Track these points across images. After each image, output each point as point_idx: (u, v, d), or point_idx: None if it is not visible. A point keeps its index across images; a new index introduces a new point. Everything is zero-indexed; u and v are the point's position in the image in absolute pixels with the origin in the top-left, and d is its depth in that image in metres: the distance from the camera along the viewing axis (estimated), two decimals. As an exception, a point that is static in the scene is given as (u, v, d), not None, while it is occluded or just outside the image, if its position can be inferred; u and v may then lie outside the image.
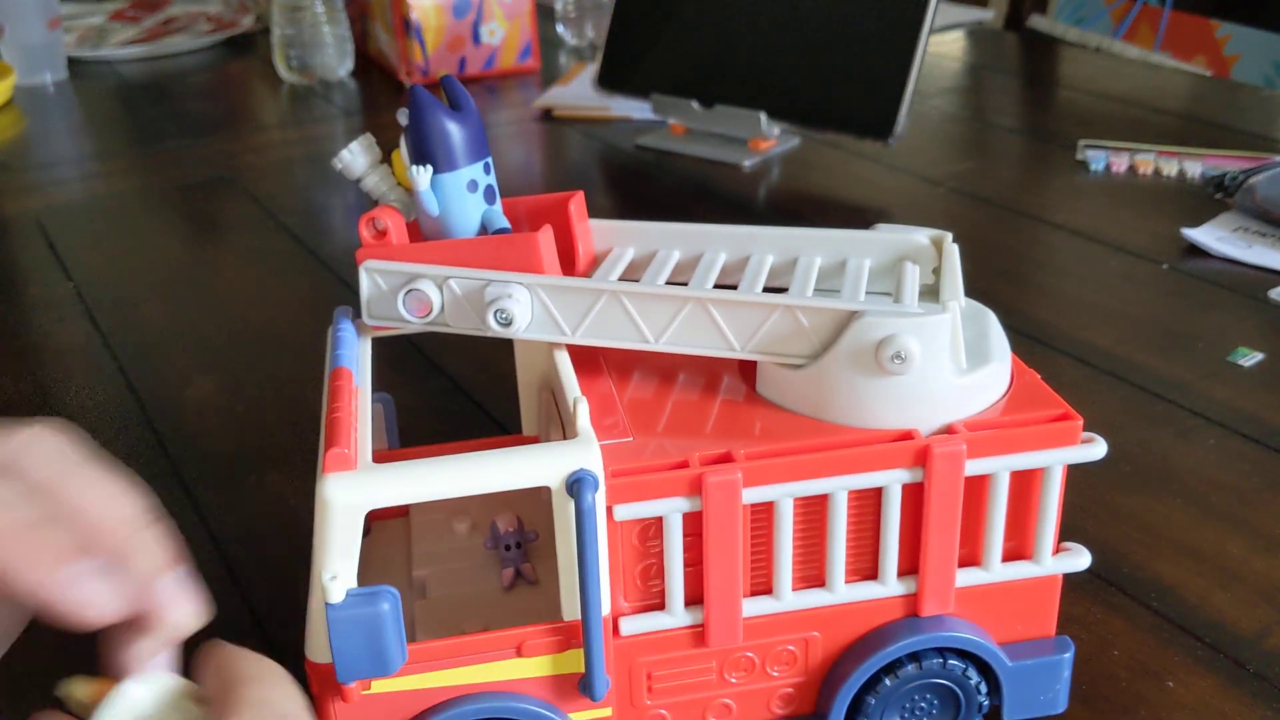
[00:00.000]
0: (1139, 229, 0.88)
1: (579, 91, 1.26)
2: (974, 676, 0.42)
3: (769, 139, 1.06)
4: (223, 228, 1.00)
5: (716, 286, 0.44)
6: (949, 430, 0.39)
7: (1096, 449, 0.40)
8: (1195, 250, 0.84)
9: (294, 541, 0.57)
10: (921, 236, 0.46)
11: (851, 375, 0.39)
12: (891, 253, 0.46)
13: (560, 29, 1.49)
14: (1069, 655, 0.42)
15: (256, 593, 0.54)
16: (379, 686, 0.38)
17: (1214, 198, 0.92)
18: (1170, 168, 0.99)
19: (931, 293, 0.44)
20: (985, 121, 1.22)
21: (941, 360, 0.39)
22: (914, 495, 0.40)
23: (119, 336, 0.78)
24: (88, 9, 1.68)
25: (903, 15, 0.96)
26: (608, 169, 1.09)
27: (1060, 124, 1.16)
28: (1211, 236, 0.85)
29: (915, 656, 0.41)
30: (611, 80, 1.12)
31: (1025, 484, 0.40)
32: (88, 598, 0.33)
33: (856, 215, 0.93)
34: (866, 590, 0.41)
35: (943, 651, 0.41)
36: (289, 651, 0.48)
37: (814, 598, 0.40)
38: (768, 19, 1.03)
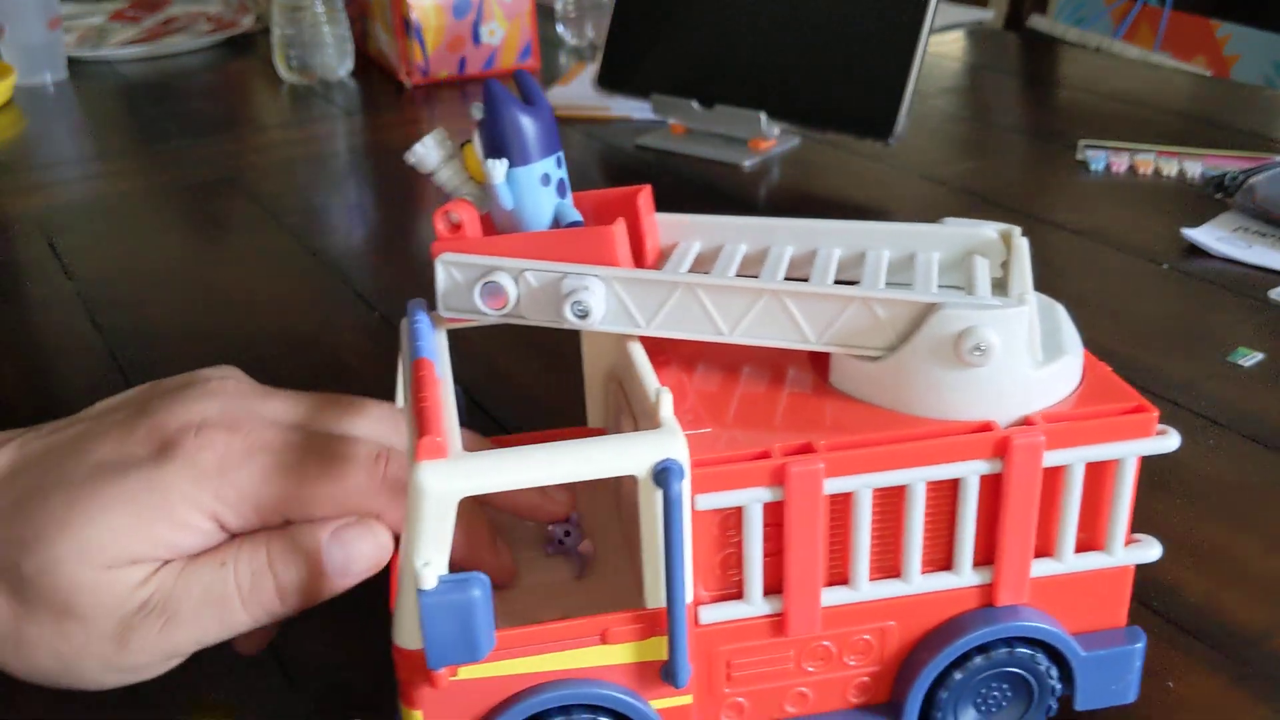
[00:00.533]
0: (1139, 229, 0.88)
1: (579, 91, 1.26)
2: (1047, 664, 0.42)
3: (769, 139, 1.06)
4: (223, 227, 1.00)
5: (786, 279, 0.44)
6: (1026, 422, 0.40)
7: (1170, 441, 0.40)
8: (1195, 250, 0.84)
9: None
10: (990, 230, 0.46)
11: (929, 367, 0.39)
12: (960, 247, 0.46)
13: (560, 29, 1.49)
14: (1141, 645, 0.43)
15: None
16: (465, 673, 0.38)
17: (1214, 198, 0.92)
18: (1170, 168, 0.99)
19: (999, 286, 0.44)
20: (985, 121, 1.22)
21: (1019, 352, 0.39)
22: (990, 486, 0.40)
23: (119, 336, 0.78)
24: (88, 9, 1.68)
25: (903, 15, 0.96)
26: (608, 169, 1.09)
27: (1060, 124, 1.16)
28: (1211, 236, 0.85)
29: (985, 647, 0.42)
30: (611, 80, 1.12)
31: (1099, 475, 0.41)
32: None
33: (857, 215, 0.92)
34: (942, 581, 0.41)
35: (1012, 641, 0.41)
36: (307, 666, 0.48)
37: (890, 588, 0.41)
38: (768, 19, 1.03)
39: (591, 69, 1.30)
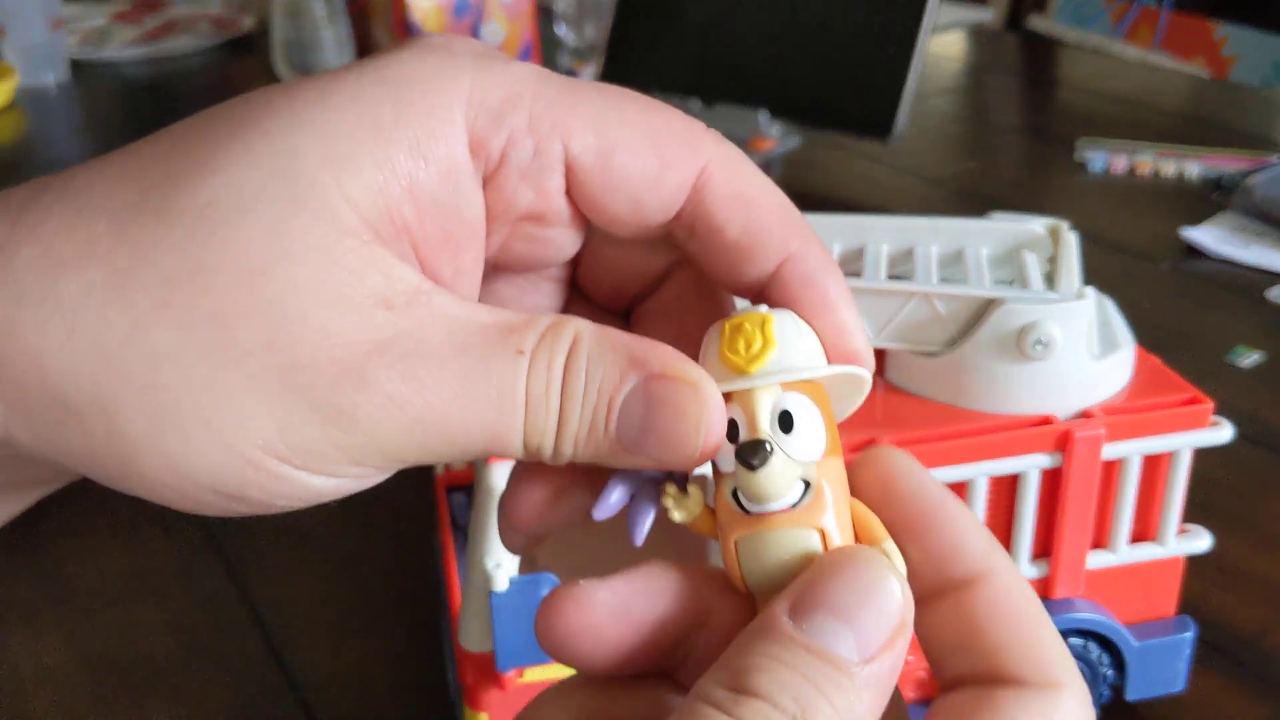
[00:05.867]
0: (1138, 229, 0.88)
1: (579, 92, 1.26)
2: (1100, 655, 0.43)
3: (769, 138, 1.06)
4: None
5: None
6: (1084, 415, 0.40)
7: (1223, 432, 0.41)
8: (1194, 250, 0.84)
9: (300, 540, 0.57)
10: (1038, 225, 0.46)
11: (990, 362, 0.40)
12: (1008, 242, 0.46)
13: (560, 29, 1.49)
14: (1190, 635, 0.43)
15: (257, 593, 0.54)
16: (532, 675, 0.38)
17: (1212, 198, 0.92)
18: (1169, 168, 0.99)
19: (1048, 281, 0.44)
20: (985, 121, 1.22)
21: (1079, 346, 0.40)
22: (1048, 480, 0.40)
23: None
24: (89, 10, 1.68)
25: (902, 15, 0.96)
26: (608, 169, 1.09)
27: (1059, 124, 1.16)
28: (1210, 236, 0.85)
29: None
30: (612, 80, 1.12)
31: (1153, 467, 0.41)
32: None
33: (856, 215, 0.93)
34: None
35: (1065, 633, 0.42)
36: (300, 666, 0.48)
37: None
38: (768, 18, 1.03)
39: (592, 69, 1.30)
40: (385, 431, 0.22)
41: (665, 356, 0.24)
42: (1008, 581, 0.23)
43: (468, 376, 0.23)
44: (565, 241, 0.27)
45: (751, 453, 0.23)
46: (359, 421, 0.22)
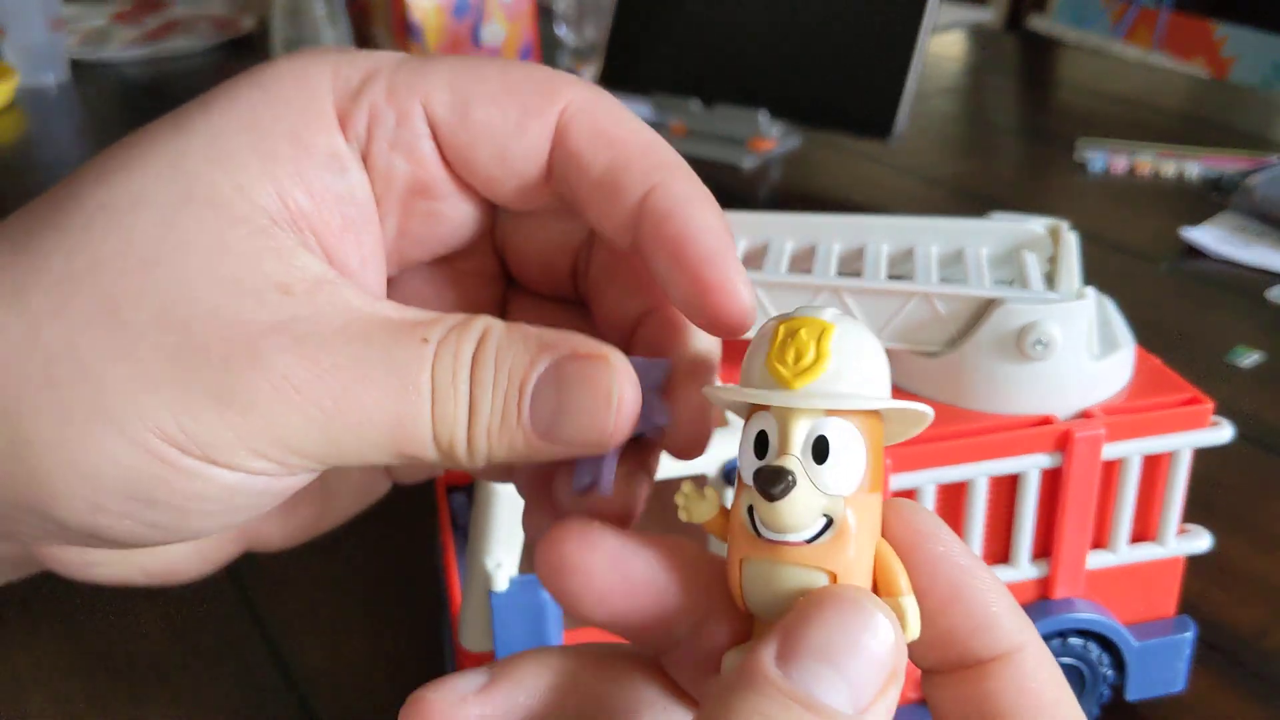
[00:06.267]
0: (1138, 229, 0.88)
1: (579, 92, 1.26)
2: (1100, 655, 0.43)
3: (769, 139, 1.06)
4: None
5: (838, 275, 0.44)
6: (1084, 415, 0.40)
7: (1224, 432, 0.41)
8: (1194, 250, 0.84)
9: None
10: (1038, 225, 0.46)
11: (990, 362, 0.40)
12: (1008, 241, 0.46)
13: (560, 29, 1.49)
14: (1190, 635, 0.43)
15: (257, 593, 0.54)
16: None
17: (1212, 198, 0.92)
18: (1169, 168, 0.99)
19: (1048, 281, 0.44)
20: (985, 121, 1.22)
21: (1079, 346, 0.40)
22: (1048, 480, 0.40)
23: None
24: (90, 10, 1.68)
25: (902, 15, 0.96)
26: (608, 170, 1.09)
27: (1059, 124, 1.16)
28: (1210, 237, 0.85)
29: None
30: (612, 80, 1.12)
31: (1153, 467, 0.41)
32: None
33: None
34: (1000, 575, 0.41)
35: (1065, 633, 0.42)
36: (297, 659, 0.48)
37: None
38: (768, 18, 1.03)
39: (592, 69, 1.30)
40: (282, 416, 0.21)
41: (577, 340, 0.23)
42: (1036, 661, 0.22)
43: (368, 362, 0.22)
44: (461, 216, 0.26)
45: (771, 481, 0.21)
46: (255, 405, 0.21)
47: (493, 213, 0.27)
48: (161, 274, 0.22)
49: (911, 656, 0.22)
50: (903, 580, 0.21)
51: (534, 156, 0.25)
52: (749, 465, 0.21)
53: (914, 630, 0.21)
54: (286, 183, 0.23)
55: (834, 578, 0.21)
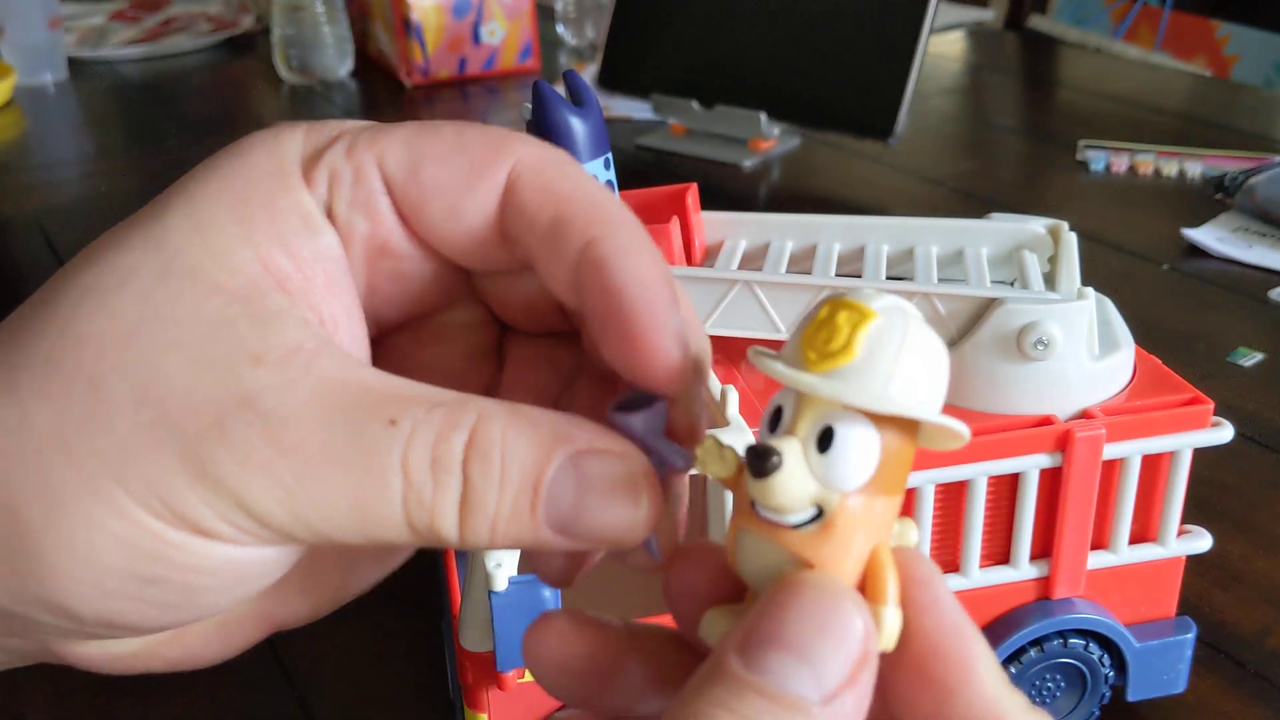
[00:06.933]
0: (1139, 229, 0.88)
1: (579, 92, 1.26)
2: (1100, 655, 0.43)
3: (769, 139, 1.06)
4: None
5: (837, 276, 0.44)
6: (1085, 415, 0.40)
7: (1224, 432, 0.41)
8: (1195, 250, 0.84)
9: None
10: (1037, 225, 0.46)
11: (990, 362, 0.40)
12: (1008, 242, 0.46)
13: (560, 29, 1.49)
14: (1191, 636, 0.43)
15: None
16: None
17: (1214, 198, 0.92)
18: (1170, 168, 0.99)
19: (1048, 281, 0.44)
20: (985, 121, 1.22)
21: (1079, 346, 0.40)
22: (1048, 480, 0.40)
23: (120, 336, 0.78)
24: (88, 9, 1.68)
25: (902, 15, 0.96)
26: (608, 169, 1.09)
27: (1060, 124, 1.16)
28: (1212, 237, 0.85)
29: (1040, 640, 0.42)
30: (612, 80, 1.12)
31: (1153, 467, 0.41)
32: None
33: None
34: (1000, 575, 0.41)
35: (1066, 633, 0.42)
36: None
37: (949, 582, 0.41)
38: (768, 19, 1.03)
39: (591, 69, 1.30)
40: (252, 492, 0.21)
41: (592, 433, 0.22)
42: None
43: (332, 441, 0.21)
44: (428, 275, 0.26)
45: (757, 458, 0.20)
46: (224, 479, 0.21)
47: (463, 272, 0.27)
48: (138, 348, 0.22)
49: (886, 707, 0.21)
50: (891, 590, 0.21)
51: (484, 213, 0.25)
52: (759, 436, 0.21)
53: (889, 641, 0.20)
54: (265, 246, 0.23)
55: (812, 568, 0.20)
